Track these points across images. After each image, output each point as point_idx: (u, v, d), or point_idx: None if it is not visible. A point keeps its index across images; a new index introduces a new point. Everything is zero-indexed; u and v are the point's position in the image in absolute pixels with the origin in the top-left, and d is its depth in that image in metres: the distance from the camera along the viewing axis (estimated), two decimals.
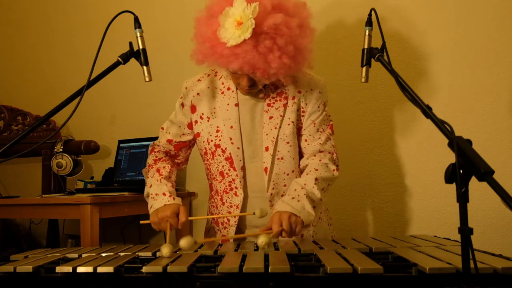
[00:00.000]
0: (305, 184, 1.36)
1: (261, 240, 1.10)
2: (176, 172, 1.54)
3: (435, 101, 1.94)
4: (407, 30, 2.04)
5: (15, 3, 3.00)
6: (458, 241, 1.24)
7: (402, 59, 2.04)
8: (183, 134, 1.54)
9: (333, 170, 1.43)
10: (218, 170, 1.46)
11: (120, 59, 1.32)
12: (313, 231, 1.49)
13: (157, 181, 1.43)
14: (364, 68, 1.31)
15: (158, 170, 1.47)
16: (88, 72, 1.26)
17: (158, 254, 1.15)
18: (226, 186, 1.46)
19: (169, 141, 1.55)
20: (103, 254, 1.19)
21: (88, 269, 0.99)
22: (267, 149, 1.42)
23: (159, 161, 1.52)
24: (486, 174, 0.77)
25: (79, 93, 1.24)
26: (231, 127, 1.43)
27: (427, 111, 0.99)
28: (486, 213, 1.89)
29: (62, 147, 2.44)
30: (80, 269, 0.99)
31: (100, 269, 0.99)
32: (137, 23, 1.34)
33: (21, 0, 2.98)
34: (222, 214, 1.48)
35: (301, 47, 1.30)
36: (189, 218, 1.39)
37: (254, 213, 1.29)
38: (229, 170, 1.44)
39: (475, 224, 1.87)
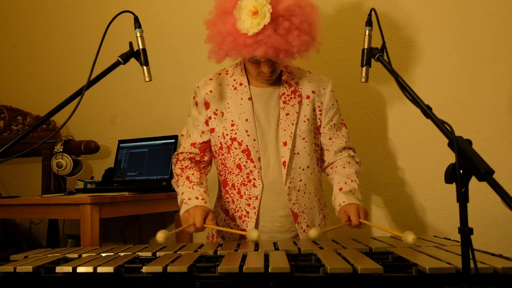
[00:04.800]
0: (350, 177, 1.52)
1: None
2: (206, 178, 1.55)
3: (435, 101, 1.94)
4: (407, 30, 2.04)
5: (15, 3, 3.00)
6: (458, 241, 1.24)
7: (402, 59, 2.04)
8: (202, 133, 1.55)
9: (358, 162, 1.59)
10: (235, 163, 1.49)
11: (120, 59, 1.32)
12: (306, 219, 1.51)
13: (189, 188, 1.45)
14: (364, 68, 1.31)
15: (187, 178, 1.49)
16: (88, 72, 1.26)
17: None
18: (244, 178, 1.48)
19: (193, 144, 1.56)
20: (103, 254, 1.19)
21: (88, 269, 0.99)
22: (285, 144, 1.47)
23: (186, 169, 1.53)
24: (486, 174, 0.77)
25: (79, 93, 1.24)
26: (246, 120, 1.47)
27: (427, 111, 0.99)
28: (486, 213, 1.89)
29: (62, 147, 2.44)
30: (80, 269, 0.99)
31: (100, 269, 0.99)
32: (137, 23, 1.34)
33: (21, 0, 2.98)
34: (240, 207, 1.49)
35: (313, 23, 1.38)
36: (205, 225, 1.35)
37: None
38: (246, 162, 1.47)
39: (475, 224, 1.87)
